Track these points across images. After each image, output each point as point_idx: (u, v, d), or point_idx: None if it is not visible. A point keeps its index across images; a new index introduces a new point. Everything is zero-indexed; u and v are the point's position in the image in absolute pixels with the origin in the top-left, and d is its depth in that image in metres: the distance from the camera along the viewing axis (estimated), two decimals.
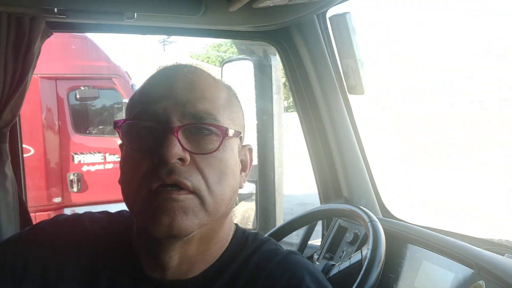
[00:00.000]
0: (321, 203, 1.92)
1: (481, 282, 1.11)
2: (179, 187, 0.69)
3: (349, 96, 1.77)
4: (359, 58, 1.67)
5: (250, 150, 0.84)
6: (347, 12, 1.64)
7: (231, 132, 0.73)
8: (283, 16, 1.64)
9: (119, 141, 0.79)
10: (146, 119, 0.72)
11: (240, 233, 0.84)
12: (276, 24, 1.70)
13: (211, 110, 0.73)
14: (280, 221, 2.15)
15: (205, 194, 0.70)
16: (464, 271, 1.15)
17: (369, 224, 1.25)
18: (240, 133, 0.78)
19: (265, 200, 2.15)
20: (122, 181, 0.76)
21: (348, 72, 1.71)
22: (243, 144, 0.82)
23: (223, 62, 2.25)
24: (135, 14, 1.45)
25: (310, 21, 1.72)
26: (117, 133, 0.75)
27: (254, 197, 2.29)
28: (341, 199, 1.83)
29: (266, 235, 0.91)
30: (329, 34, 1.75)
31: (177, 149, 0.68)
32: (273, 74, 2.09)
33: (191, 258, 0.76)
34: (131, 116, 0.75)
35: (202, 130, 0.72)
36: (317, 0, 1.49)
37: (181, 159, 0.69)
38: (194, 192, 0.70)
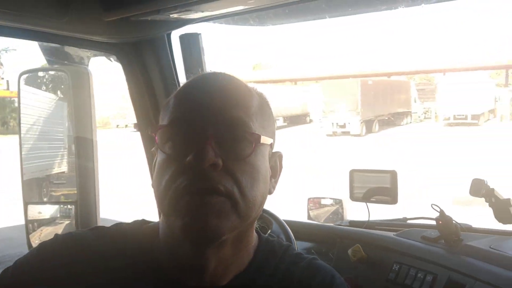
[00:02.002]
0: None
1: (357, 245, 1.53)
2: (212, 192, 0.70)
3: None
4: None
5: (280, 156, 0.88)
6: (199, 33, 1.78)
7: (263, 139, 0.77)
8: (137, 32, 1.63)
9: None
10: (181, 126, 0.74)
11: (265, 238, 0.90)
12: (127, 38, 1.66)
13: (244, 117, 0.75)
14: None
15: (237, 198, 0.72)
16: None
17: None
18: (272, 140, 0.83)
19: (87, 223, 1.98)
20: (153, 183, 0.77)
21: None
22: (273, 151, 0.87)
23: (21, 73, 1.90)
24: None
25: (161, 39, 1.75)
26: (153, 138, 0.77)
27: (58, 220, 2.07)
28: None
29: None
30: (173, 52, 1.83)
31: (210, 155, 0.70)
32: (91, 87, 1.94)
33: (226, 260, 0.78)
34: (167, 122, 0.76)
35: (236, 137, 0.74)
36: (173, 20, 1.59)
37: (214, 165, 0.70)
38: (227, 196, 0.71)
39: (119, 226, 0.89)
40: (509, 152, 13.54)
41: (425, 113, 31.77)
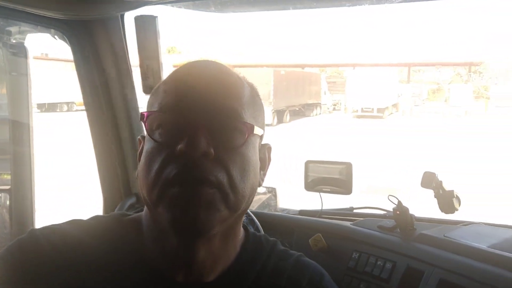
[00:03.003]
0: (103, 201, 1.87)
1: (318, 234, 1.58)
2: (202, 182, 0.69)
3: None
4: (161, 60, 1.76)
5: (269, 148, 0.87)
6: (156, 16, 1.70)
7: (255, 130, 0.77)
8: (89, 10, 1.53)
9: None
10: (172, 112, 0.72)
11: (251, 233, 0.89)
12: (80, 16, 1.56)
13: (237, 107, 0.74)
14: None
15: (227, 190, 0.71)
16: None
17: None
18: (262, 131, 0.82)
19: (22, 213, 1.83)
20: (141, 172, 0.75)
21: (147, 73, 1.76)
22: (262, 143, 0.86)
23: None
24: None
25: (115, 19, 1.65)
26: (143, 125, 0.75)
27: None
28: (132, 196, 1.87)
29: None
30: (125, 34, 1.74)
31: (203, 144, 0.68)
32: (29, 65, 1.78)
33: (214, 254, 0.77)
34: (158, 108, 0.74)
35: (228, 126, 0.73)
36: (126, 1, 1.52)
37: (206, 154, 0.69)
38: (217, 187, 0.70)
39: (97, 219, 0.85)
40: (409, 146, 14.70)
41: (335, 105, 33.29)
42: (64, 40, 1.65)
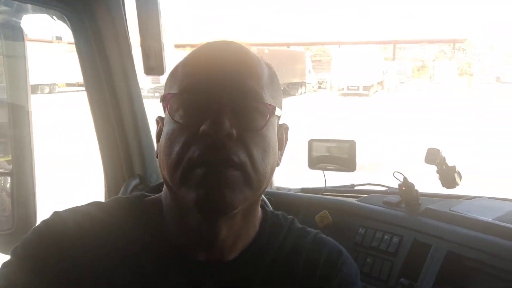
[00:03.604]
0: (106, 183, 1.87)
1: (325, 211, 1.61)
2: (226, 162, 0.70)
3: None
4: (163, 40, 1.74)
5: (286, 129, 0.88)
6: None
7: (276, 111, 0.78)
8: None
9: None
10: (194, 93, 0.73)
11: (270, 211, 0.91)
12: None
13: (257, 88, 0.75)
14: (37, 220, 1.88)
15: (250, 171, 0.72)
16: None
17: None
18: (281, 111, 0.82)
19: (24, 196, 1.82)
20: (161, 153, 0.75)
21: (149, 54, 1.74)
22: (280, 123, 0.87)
23: None
24: None
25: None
26: (164, 108, 0.76)
27: None
28: (135, 177, 1.87)
29: None
30: (126, 12, 1.71)
31: (226, 125, 0.69)
32: (25, 47, 1.74)
33: (235, 232, 0.79)
34: (178, 90, 0.74)
35: (250, 107, 0.73)
36: None
37: (229, 135, 0.70)
38: (240, 168, 0.71)
39: (118, 200, 0.86)
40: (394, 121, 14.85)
41: (320, 84, 33.32)
42: (63, 20, 1.61)
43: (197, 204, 0.70)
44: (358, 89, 26.84)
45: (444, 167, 1.55)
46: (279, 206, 1.68)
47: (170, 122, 0.74)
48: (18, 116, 1.81)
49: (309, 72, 30.61)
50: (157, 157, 0.79)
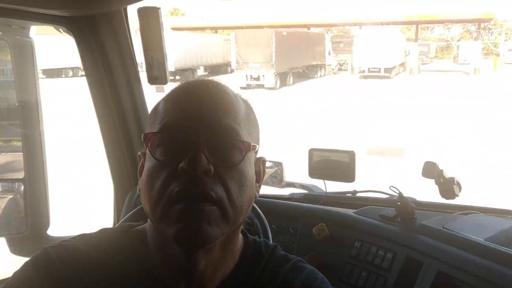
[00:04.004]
0: (115, 192, 1.94)
1: (322, 224, 1.64)
2: (204, 197, 0.74)
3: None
4: (165, 51, 1.78)
5: (264, 162, 0.91)
6: (159, 7, 1.70)
7: (252, 147, 0.82)
8: (92, 6, 1.54)
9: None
10: (173, 132, 0.77)
11: (251, 239, 0.94)
12: (84, 12, 1.57)
13: (234, 125, 0.79)
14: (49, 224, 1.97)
15: (227, 205, 0.75)
16: None
17: None
18: (257, 146, 0.86)
19: (36, 201, 1.90)
20: (143, 188, 0.79)
21: (152, 64, 1.78)
22: (257, 156, 0.90)
23: None
24: None
25: (118, 12, 1.66)
26: (145, 145, 0.79)
27: (0, 195, 1.98)
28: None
29: None
30: (129, 26, 1.75)
31: (203, 162, 0.73)
32: (35, 57, 1.80)
33: (214, 262, 0.82)
34: (159, 128, 0.78)
35: (227, 144, 0.78)
36: None
37: (206, 171, 0.73)
38: (217, 203, 0.74)
39: (105, 232, 0.90)
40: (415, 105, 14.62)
41: (341, 66, 32.87)
42: (69, 34, 1.66)
43: (176, 238, 0.74)
44: (379, 71, 26.41)
45: (442, 180, 1.55)
46: (279, 215, 1.72)
47: (151, 159, 0.78)
48: (29, 124, 1.88)
49: (329, 54, 30.14)
50: (139, 192, 0.83)
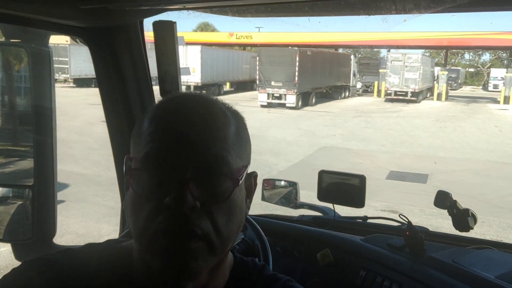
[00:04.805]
0: (121, 196, 1.92)
1: (327, 250, 1.58)
2: (190, 235, 0.70)
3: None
4: (179, 65, 1.77)
5: (255, 177, 0.87)
6: (174, 21, 1.70)
7: (242, 173, 0.77)
8: (108, 18, 1.55)
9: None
10: (158, 162, 0.72)
11: (239, 258, 0.91)
12: (100, 23, 1.58)
13: (223, 152, 0.74)
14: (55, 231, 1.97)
15: (213, 239, 0.72)
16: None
17: None
18: (247, 167, 0.81)
19: (44, 207, 1.90)
20: (128, 214, 0.76)
21: (165, 78, 1.78)
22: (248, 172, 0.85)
23: None
24: None
25: (134, 25, 1.67)
26: (127, 180, 0.75)
27: (10, 200, 2.00)
28: None
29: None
30: (144, 40, 1.75)
31: (189, 199, 0.69)
32: (52, 65, 1.83)
33: (203, 285, 0.80)
34: (142, 156, 0.73)
35: (215, 178, 0.73)
36: (146, 8, 1.52)
37: (193, 208, 0.70)
38: (204, 239, 0.71)
39: (90, 247, 0.88)
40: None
41: (368, 87, 32.64)
42: (85, 44, 1.67)
43: (161, 273, 0.73)
44: (406, 94, 26.15)
45: (455, 211, 1.49)
46: (285, 237, 1.68)
47: (131, 190, 0.74)
48: (42, 131, 1.89)
49: (354, 75, 29.89)
50: (125, 209, 0.79)
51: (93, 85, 27.45)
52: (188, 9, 1.58)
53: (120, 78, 1.71)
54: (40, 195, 1.89)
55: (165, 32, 1.70)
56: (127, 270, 0.82)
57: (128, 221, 0.76)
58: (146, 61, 1.77)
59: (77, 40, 1.74)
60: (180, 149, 0.71)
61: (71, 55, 26.28)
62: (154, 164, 0.72)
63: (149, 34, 1.78)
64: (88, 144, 10.77)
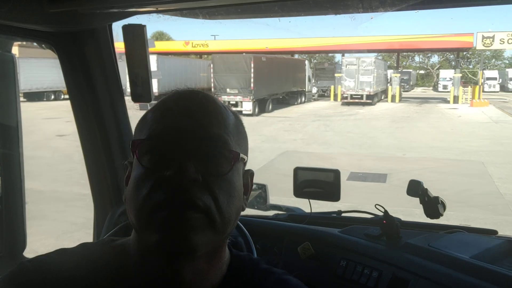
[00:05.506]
0: (95, 210, 1.89)
1: (307, 243, 1.61)
2: (190, 205, 0.71)
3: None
4: (149, 68, 1.77)
5: (252, 174, 0.90)
6: (144, 25, 1.70)
7: (241, 158, 0.81)
8: (76, 22, 1.53)
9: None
10: (162, 140, 0.75)
11: (235, 253, 0.91)
12: (68, 28, 1.56)
13: (223, 134, 0.77)
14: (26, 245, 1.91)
15: (214, 214, 0.73)
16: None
17: None
18: (245, 158, 0.84)
19: (12, 221, 1.84)
20: (129, 196, 0.77)
21: (136, 81, 1.77)
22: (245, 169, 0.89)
23: None
24: None
25: (103, 29, 1.65)
26: (132, 154, 0.77)
27: None
28: (123, 203, 1.89)
29: None
30: (113, 43, 1.74)
31: (191, 171, 0.71)
32: (16, 74, 1.78)
33: (200, 274, 0.80)
34: (147, 136, 0.77)
35: (215, 153, 0.76)
36: (116, 11, 1.52)
37: (193, 180, 0.72)
38: (205, 212, 0.72)
39: (85, 246, 0.87)
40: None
41: (324, 92, 33.24)
42: (52, 50, 1.64)
43: (158, 246, 0.71)
44: (362, 97, 26.81)
45: (426, 199, 1.55)
46: (264, 234, 1.69)
47: (138, 167, 0.76)
48: (8, 141, 1.83)
49: (309, 80, 30.18)
50: (125, 201, 0.80)
51: (44, 99, 26.61)
52: (159, 11, 1.58)
53: (89, 82, 1.69)
54: (8, 208, 1.83)
55: (135, 35, 1.69)
56: (123, 267, 0.81)
57: (129, 206, 0.76)
58: (116, 65, 1.75)
59: (43, 46, 1.70)
60: (183, 128, 0.75)
61: (20, 69, 25.28)
62: (157, 141, 0.75)
63: (118, 45, 1.77)
64: (45, 160, 10.41)
